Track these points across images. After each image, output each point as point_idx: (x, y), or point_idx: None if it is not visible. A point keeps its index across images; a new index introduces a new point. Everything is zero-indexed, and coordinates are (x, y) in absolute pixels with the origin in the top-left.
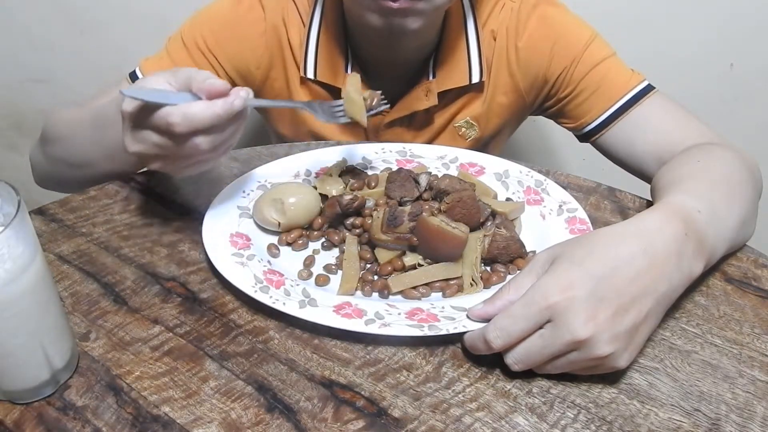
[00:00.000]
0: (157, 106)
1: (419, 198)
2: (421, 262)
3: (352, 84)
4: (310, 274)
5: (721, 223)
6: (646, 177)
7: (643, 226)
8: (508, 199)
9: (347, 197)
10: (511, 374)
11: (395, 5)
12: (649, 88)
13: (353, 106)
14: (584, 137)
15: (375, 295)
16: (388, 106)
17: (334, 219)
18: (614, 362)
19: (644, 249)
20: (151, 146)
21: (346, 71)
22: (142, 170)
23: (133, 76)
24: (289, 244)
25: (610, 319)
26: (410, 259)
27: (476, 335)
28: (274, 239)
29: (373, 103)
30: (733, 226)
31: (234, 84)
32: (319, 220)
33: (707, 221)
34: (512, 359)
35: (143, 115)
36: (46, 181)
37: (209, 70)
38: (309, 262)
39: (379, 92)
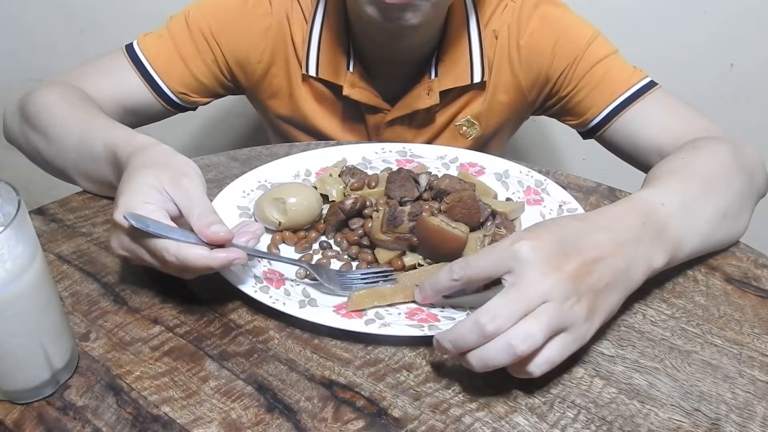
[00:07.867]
0: (156, 235)
1: (419, 198)
2: (421, 262)
3: None
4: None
5: (690, 215)
6: None
7: (601, 213)
8: (508, 199)
9: (349, 201)
10: (511, 374)
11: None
12: (651, 84)
13: None
14: (588, 133)
15: None
16: None
17: (338, 224)
18: (578, 323)
19: (604, 228)
20: (137, 258)
21: (348, 69)
22: None
23: (130, 50)
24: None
25: (574, 273)
26: (410, 259)
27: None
28: None
29: None
30: (709, 219)
31: (231, 74)
32: (323, 227)
33: (670, 213)
34: (487, 325)
35: (138, 236)
36: (13, 143)
37: (209, 55)
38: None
39: None
